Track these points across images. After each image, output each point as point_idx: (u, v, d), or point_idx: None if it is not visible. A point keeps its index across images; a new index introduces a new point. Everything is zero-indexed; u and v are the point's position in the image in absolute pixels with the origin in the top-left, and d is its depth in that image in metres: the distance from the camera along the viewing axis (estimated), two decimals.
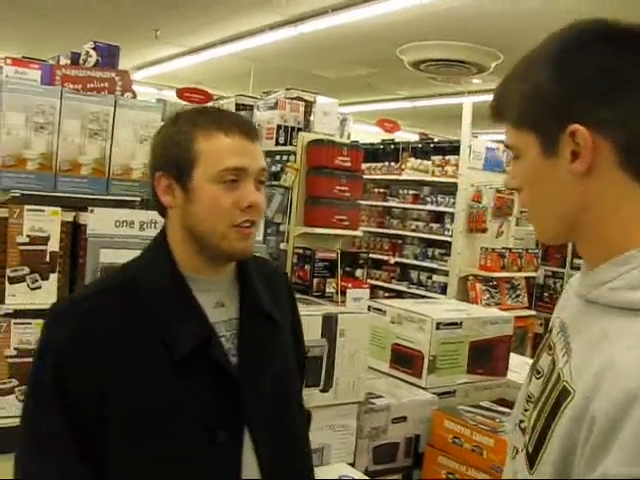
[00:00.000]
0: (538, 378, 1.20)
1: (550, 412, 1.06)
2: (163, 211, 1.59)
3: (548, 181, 1.10)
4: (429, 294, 7.67)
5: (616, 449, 0.89)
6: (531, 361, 1.29)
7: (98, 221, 2.32)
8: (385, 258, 8.60)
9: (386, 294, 8.34)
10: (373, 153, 9.08)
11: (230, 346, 1.54)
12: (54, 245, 2.94)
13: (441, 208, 7.75)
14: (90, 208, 2.33)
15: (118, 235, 2.33)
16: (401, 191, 8.51)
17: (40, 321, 2.75)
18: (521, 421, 1.22)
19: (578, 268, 1.22)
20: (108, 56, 3.67)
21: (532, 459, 1.08)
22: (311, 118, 4.97)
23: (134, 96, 3.54)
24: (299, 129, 4.90)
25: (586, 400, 0.96)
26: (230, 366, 1.51)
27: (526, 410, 1.21)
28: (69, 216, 3.00)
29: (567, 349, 1.10)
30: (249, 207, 1.49)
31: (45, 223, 2.91)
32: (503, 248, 7.16)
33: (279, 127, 4.93)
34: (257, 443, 1.51)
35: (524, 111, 1.11)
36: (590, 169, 1.05)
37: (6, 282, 2.81)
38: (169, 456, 1.44)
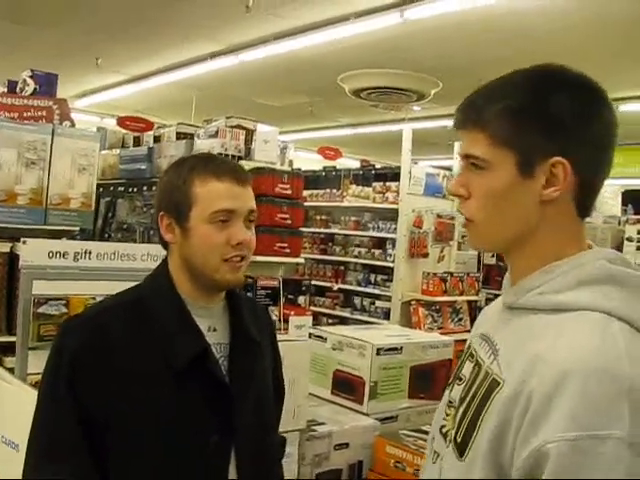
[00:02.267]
0: (460, 384, 1.31)
1: (480, 402, 1.18)
2: (165, 244, 1.77)
3: (514, 198, 1.21)
4: (373, 320, 7.69)
5: (556, 416, 1.03)
6: None
7: (31, 252, 2.29)
8: (328, 285, 8.62)
9: (330, 321, 8.34)
10: (315, 180, 9.11)
11: (221, 368, 1.71)
12: None
13: (383, 234, 7.80)
14: (22, 239, 2.30)
15: (52, 266, 2.30)
16: (343, 217, 8.55)
17: None
18: (442, 426, 1.32)
19: None
20: (46, 84, 3.65)
21: (462, 448, 1.19)
22: (252, 146, 4.98)
23: (72, 125, 3.52)
24: (239, 157, 4.90)
25: (520, 383, 1.10)
26: (223, 376, 1.69)
27: (448, 415, 1.31)
28: (5, 247, 2.96)
29: (493, 350, 1.24)
30: (238, 244, 1.68)
31: None
32: (445, 272, 7.23)
33: (220, 155, 4.93)
34: (239, 448, 1.69)
35: (509, 130, 1.19)
36: (556, 198, 1.19)
37: None
38: (166, 457, 1.60)
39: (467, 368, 1.31)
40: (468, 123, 1.25)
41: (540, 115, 1.17)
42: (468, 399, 1.22)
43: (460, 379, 1.32)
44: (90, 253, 2.39)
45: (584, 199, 1.22)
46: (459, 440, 1.20)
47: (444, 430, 1.30)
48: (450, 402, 1.32)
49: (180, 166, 1.76)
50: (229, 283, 1.71)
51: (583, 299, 1.15)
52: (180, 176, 1.71)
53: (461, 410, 1.23)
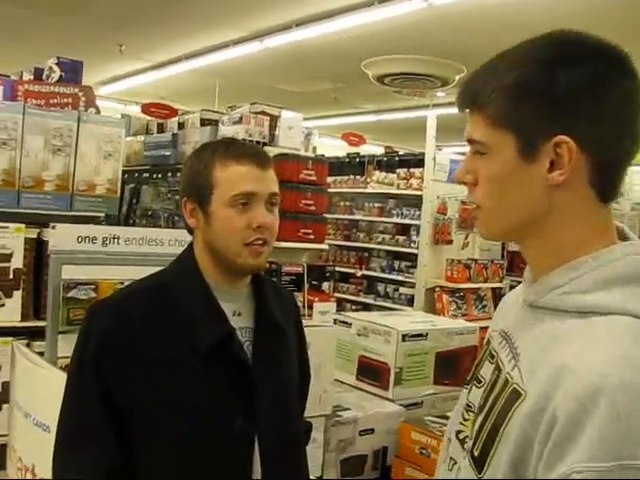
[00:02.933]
0: (479, 387, 1.22)
1: (499, 414, 1.07)
2: (190, 230, 1.79)
3: (518, 184, 1.11)
4: (396, 306, 7.69)
5: (582, 442, 0.91)
6: None
7: (60, 237, 2.30)
8: (352, 271, 8.62)
9: (353, 307, 8.35)
10: (338, 166, 9.10)
11: (246, 352, 1.71)
12: (18, 262, 2.92)
13: (406, 220, 7.79)
14: (52, 224, 2.32)
15: (80, 251, 2.32)
16: (367, 204, 8.54)
17: (4, 339, 2.72)
18: (459, 431, 1.24)
19: None
20: (71, 71, 3.66)
21: (480, 462, 1.09)
22: (276, 132, 4.97)
23: (98, 111, 3.53)
24: (264, 143, 4.89)
25: (543, 399, 0.98)
26: (248, 360, 1.70)
27: (466, 420, 1.23)
28: (33, 232, 2.97)
29: (514, 354, 1.13)
30: (259, 227, 1.68)
31: (8, 240, 2.89)
32: (469, 259, 7.21)
33: (244, 141, 4.92)
34: (263, 432, 1.69)
35: (507, 109, 1.09)
36: (564, 181, 1.08)
37: None
38: (190, 440, 1.60)
39: (486, 369, 1.22)
40: (467, 104, 1.16)
41: (540, 90, 1.06)
42: (487, 408, 1.12)
43: (479, 381, 1.23)
44: (118, 238, 2.40)
45: (603, 182, 1.09)
46: (476, 454, 1.11)
47: (461, 436, 1.23)
48: (468, 406, 1.24)
49: (202, 151, 1.78)
50: (251, 268, 1.72)
51: (613, 301, 1.03)
52: (202, 161, 1.73)
53: (480, 419, 1.13)
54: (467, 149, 1.20)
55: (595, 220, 1.11)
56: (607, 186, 1.11)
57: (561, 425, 0.94)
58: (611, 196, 1.12)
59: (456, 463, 1.21)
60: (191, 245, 1.80)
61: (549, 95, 1.06)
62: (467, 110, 1.16)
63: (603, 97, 1.06)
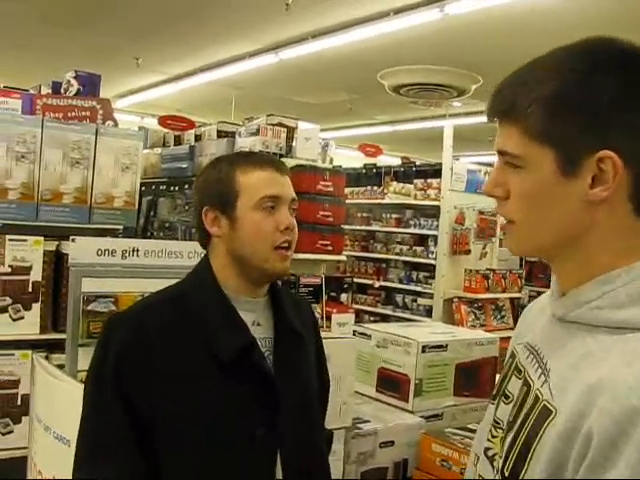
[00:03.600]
0: (507, 403, 1.18)
1: (530, 432, 1.03)
2: (205, 242, 1.80)
3: (556, 200, 1.05)
4: (414, 317, 7.67)
5: (621, 465, 0.87)
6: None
7: (80, 250, 2.31)
8: (370, 282, 8.60)
9: (371, 318, 8.33)
10: (356, 178, 9.10)
11: (267, 362, 1.71)
12: (37, 275, 2.93)
13: (424, 231, 7.77)
14: (72, 237, 2.32)
15: (100, 264, 2.32)
16: (384, 215, 8.53)
17: (23, 352, 2.73)
18: (487, 449, 1.20)
19: None
20: (89, 85, 3.68)
21: None
22: (293, 144, 4.97)
23: (115, 124, 3.55)
24: (281, 155, 4.89)
25: (577, 417, 0.95)
26: (270, 370, 1.70)
27: (494, 437, 1.19)
28: (52, 245, 2.99)
29: (543, 370, 1.09)
30: (287, 229, 1.71)
31: (27, 253, 2.91)
32: (487, 269, 7.18)
33: (261, 152, 4.93)
34: (285, 442, 1.69)
35: (546, 123, 1.03)
36: (606, 197, 1.03)
37: None
38: (212, 452, 1.60)
39: (514, 385, 1.18)
40: (499, 115, 1.10)
41: (580, 103, 1.01)
42: (517, 425, 1.08)
43: (507, 397, 1.19)
44: (138, 251, 2.40)
45: None
46: (507, 474, 1.06)
47: (490, 453, 1.19)
48: (497, 422, 1.19)
49: (218, 163, 1.81)
50: (278, 272, 1.74)
51: None
52: (221, 171, 1.75)
53: (510, 438, 1.09)
54: (490, 159, 1.14)
55: (632, 236, 1.06)
56: None
57: (598, 445, 0.90)
58: None
59: None
60: (207, 257, 1.80)
61: (590, 107, 1.01)
62: (496, 119, 1.12)
63: None
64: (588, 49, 1.06)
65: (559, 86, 1.03)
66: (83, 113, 3.45)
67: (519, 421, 1.08)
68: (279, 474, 1.67)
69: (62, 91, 3.71)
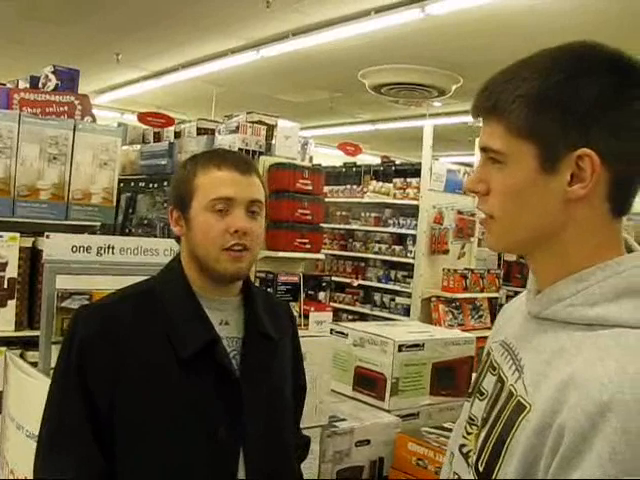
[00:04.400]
0: (482, 400, 1.19)
1: (504, 428, 1.05)
2: (177, 240, 1.80)
3: (535, 196, 1.07)
4: (393, 316, 7.68)
5: (592, 458, 0.88)
6: None
7: (54, 246, 2.29)
8: (348, 281, 8.61)
9: (350, 317, 8.34)
10: (335, 176, 9.10)
11: (231, 361, 1.69)
12: (12, 271, 2.90)
13: (403, 230, 7.78)
14: (46, 233, 2.31)
15: (75, 261, 2.30)
16: (363, 214, 8.53)
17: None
18: (462, 445, 1.21)
19: None
20: (68, 80, 3.65)
21: (485, 477, 1.07)
22: (272, 142, 4.97)
23: (94, 120, 3.52)
24: (260, 153, 4.90)
25: (550, 413, 0.96)
26: (233, 368, 1.68)
27: (469, 433, 1.20)
28: (28, 242, 2.96)
29: (517, 366, 1.10)
30: (237, 232, 1.65)
31: (3, 249, 2.88)
32: (465, 269, 7.21)
33: (240, 151, 4.93)
34: (248, 443, 1.67)
35: (529, 119, 1.06)
36: (584, 195, 1.05)
37: None
38: (172, 447, 1.59)
39: (489, 381, 1.19)
40: (484, 112, 1.12)
41: (563, 102, 1.03)
42: (491, 421, 1.10)
43: (482, 393, 1.20)
44: (113, 248, 2.39)
45: (620, 196, 1.07)
46: (481, 469, 1.08)
47: (464, 450, 1.20)
48: (471, 419, 1.21)
49: (189, 161, 1.79)
50: (231, 274, 1.69)
51: (622, 314, 1.01)
52: (186, 170, 1.74)
53: (483, 433, 1.11)
54: (470, 159, 1.15)
55: (607, 233, 1.09)
56: (623, 201, 1.09)
57: (569, 440, 0.92)
58: (625, 211, 1.10)
59: (460, 478, 1.19)
60: (179, 254, 1.80)
61: (573, 106, 1.03)
62: (480, 118, 1.14)
63: (625, 110, 1.04)
64: (575, 52, 1.08)
65: (544, 84, 1.04)
66: (61, 109, 3.42)
67: (493, 417, 1.10)
68: (242, 474, 1.65)
69: (40, 86, 3.68)
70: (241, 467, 1.65)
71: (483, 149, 1.13)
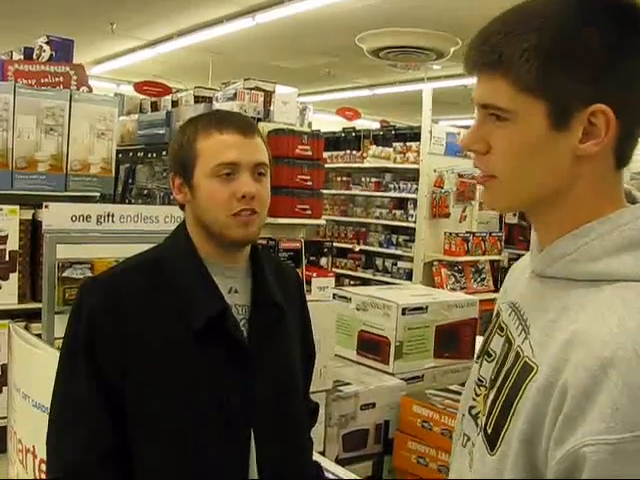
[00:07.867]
0: (490, 361, 1.17)
1: (511, 389, 1.03)
2: (181, 207, 1.76)
3: (544, 154, 1.03)
4: (395, 281, 7.67)
5: (594, 415, 0.87)
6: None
7: (54, 216, 2.28)
8: (349, 246, 8.60)
9: (352, 282, 8.34)
10: (334, 142, 9.07)
11: (241, 330, 1.68)
12: (13, 244, 2.90)
13: (404, 194, 7.75)
14: (45, 203, 2.29)
15: (75, 230, 2.29)
16: (363, 179, 8.50)
17: (1, 322, 2.70)
18: (472, 407, 1.20)
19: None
20: (62, 50, 3.61)
21: (492, 440, 1.05)
22: (271, 108, 4.92)
23: (90, 90, 3.49)
24: (259, 119, 4.85)
25: (554, 371, 0.95)
26: (242, 337, 1.66)
27: (478, 395, 1.19)
28: (28, 214, 2.95)
29: (524, 327, 1.08)
30: (244, 197, 1.62)
31: (3, 222, 2.87)
32: (467, 232, 7.19)
33: None
34: (260, 411, 1.66)
35: (539, 74, 0.99)
36: (596, 152, 1.01)
37: None
38: (184, 416, 1.58)
39: (496, 342, 1.17)
40: (486, 67, 1.04)
41: (575, 53, 0.97)
42: (499, 383, 1.08)
43: (489, 355, 1.19)
44: (113, 216, 2.37)
45: (625, 149, 1.04)
46: (489, 431, 1.06)
47: (474, 412, 1.19)
48: (480, 380, 1.19)
49: (187, 125, 1.74)
50: (240, 239, 1.66)
51: (624, 267, 0.98)
52: (186, 134, 1.69)
53: (492, 395, 1.09)
54: (470, 122, 1.11)
55: (611, 188, 1.06)
56: (627, 153, 1.06)
57: (571, 397, 0.90)
58: (626, 162, 1.07)
59: (469, 439, 1.18)
60: (184, 221, 1.77)
61: (586, 59, 0.98)
62: (477, 73, 1.07)
63: (636, 61, 0.99)
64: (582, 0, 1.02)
65: (555, 35, 0.98)
66: (56, 79, 3.38)
67: (501, 378, 1.08)
68: (254, 442, 1.64)
69: (34, 57, 3.65)
70: (252, 434, 1.64)
71: (483, 106, 1.07)
